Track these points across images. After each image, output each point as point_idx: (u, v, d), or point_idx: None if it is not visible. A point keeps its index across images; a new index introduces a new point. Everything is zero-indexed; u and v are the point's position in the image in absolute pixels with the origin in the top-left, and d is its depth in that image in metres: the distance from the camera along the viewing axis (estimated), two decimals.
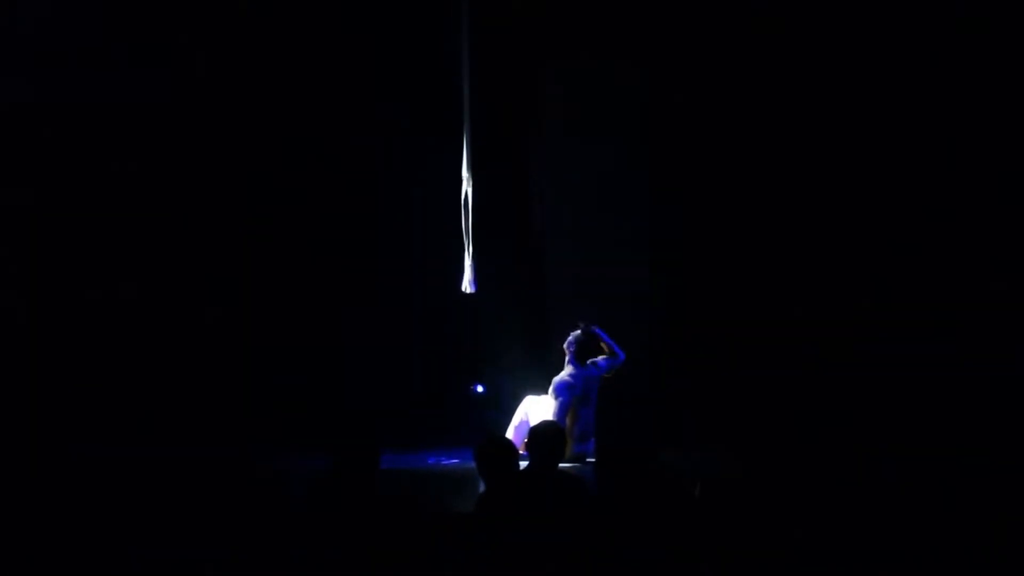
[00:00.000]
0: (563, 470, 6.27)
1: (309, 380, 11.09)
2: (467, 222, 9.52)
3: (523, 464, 6.23)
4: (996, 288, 10.18)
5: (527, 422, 9.47)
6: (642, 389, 10.54)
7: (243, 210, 11.21)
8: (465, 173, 9.50)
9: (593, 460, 9.36)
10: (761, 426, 10.19)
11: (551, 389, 9.66)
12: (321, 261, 11.32)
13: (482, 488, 6.16)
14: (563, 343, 9.80)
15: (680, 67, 11.11)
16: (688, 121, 11.18)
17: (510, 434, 9.49)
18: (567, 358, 9.77)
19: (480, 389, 11.38)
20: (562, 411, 9.52)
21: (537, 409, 9.64)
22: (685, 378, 10.93)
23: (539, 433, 6.21)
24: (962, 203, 10.41)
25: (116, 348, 10.82)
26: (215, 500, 8.03)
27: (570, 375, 9.67)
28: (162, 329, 10.94)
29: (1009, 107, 10.29)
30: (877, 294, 10.53)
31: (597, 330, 9.80)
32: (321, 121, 11.31)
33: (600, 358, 9.76)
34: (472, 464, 6.25)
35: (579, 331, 9.78)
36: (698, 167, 11.17)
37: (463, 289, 9.67)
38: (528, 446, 6.22)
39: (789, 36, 10.71)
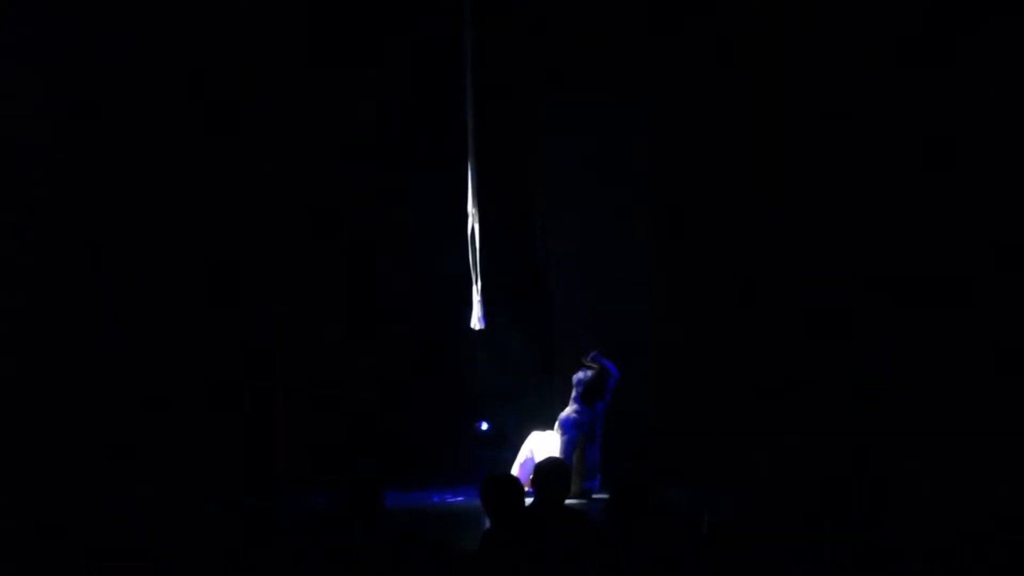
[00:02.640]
0: (569, 506, 6.24)
1: (313, 418, 11.04)
2: (474, 257, 9.50)
3: (528, 500, 6.20)
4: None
5: (532, 458, 9.43)
6: (647, 424, 10.51)
7: (245, 239, 11.17)
8: (471, 208, 9.49)
9: (599, 496, 9.32)
10: (767, 461, 10.14)
11: (557, 425, 9.64)
12: (325, 297, 11.29)
13: (487, 525, 6.13)
14: (572, 376, 9.77)
15: (679, 101, 11.13)
16: (688, 154, 11.19)
17: (515, 471, 9.46)
18: (573, 394, 9.74)
19: (485, 426, 11.35)
20: (569, 447, 9.49)
21: (542, 445, 9.61)
22: (690, 411, 10.90)
23: (544, 469, 6.19)
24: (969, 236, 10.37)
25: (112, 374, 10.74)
26: (220, 540, 8.02)
27: (576, 411, 9.65)
28: (165, 365, 10.87)
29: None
30: (882, 319, 10.49)
31: (600, 359, 9.75)
32: (326, 159, 11.32)
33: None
34: (477, 501, 6.22)
35: (588, 371, 9.75)
36: (699, 200, 11.17)
37: (472, 326, 9.64)
38: (533, 482, 6.19)
39: (787, 68, 10.73)
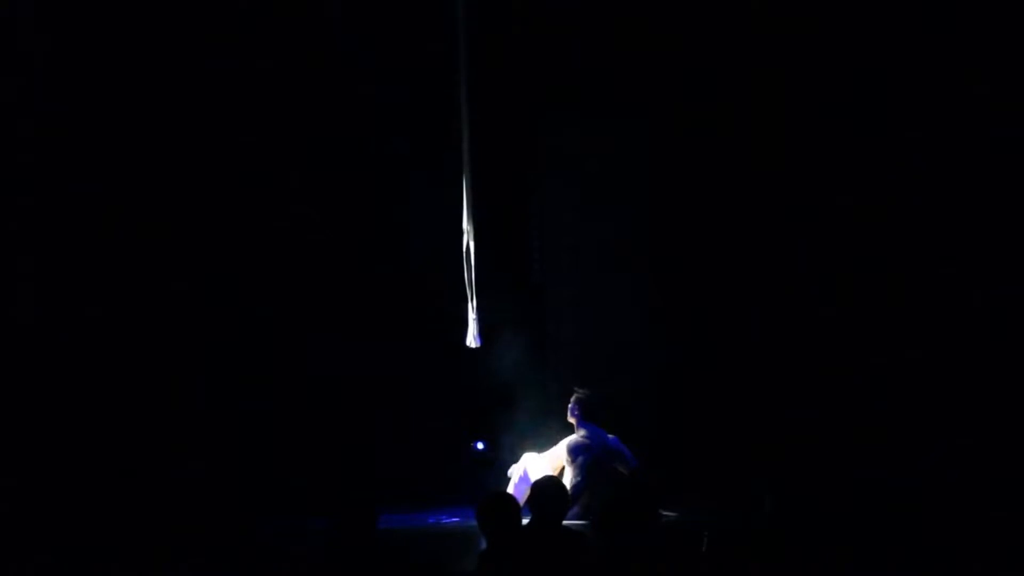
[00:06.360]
0: (566, 526, 6.18)
1: (306, 439, 10.96)
2: (470, 275, 9.43)
3: (525, 520, 6.14)
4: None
5: (527, 478, 9.34)
6: (645, 443, 10.45)
7: (239, 260, 11.10)
8: (466, 225, 9.43)
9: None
10: (766, 478, 10.09)
11: (565, 451, 9.49)
12: (319, 316, 11.23)
13: (483, 546, 6.07)
14: (567, 408, 9.69)
15: (680, 120, 11.12)
16: (689, 173, 11.18)
17: (510, 491, 9.37)
18: (575, 423, 9.65)
19: (481, 446, 11.27)
20: (582, 471, 9.36)
21: (536, 465, 9.51)
22: (688, 430, 10.86)
23: (541, 489, 6.14)
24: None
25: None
26: (214, 564, 7.97)
27: (584, 436, 9.52)
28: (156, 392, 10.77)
29: None
30: (885, 340, 10.46)
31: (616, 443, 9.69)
32: (320, 173, 11.28)
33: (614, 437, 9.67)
34: (473, 522, 6.17)
35: (579, 391, 9.69)
36: (699, 220, 11.15)
37: (467, 344, 9.57)
38: (530, 502, 6.13)
39: (791, 87, 10.71)
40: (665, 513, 8.56)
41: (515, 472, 9.60)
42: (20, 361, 10.14)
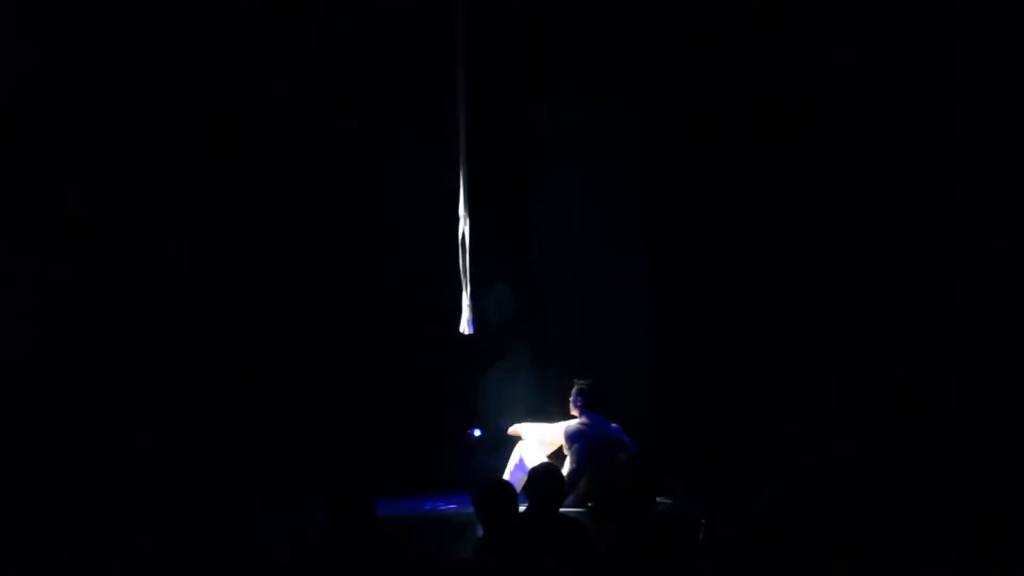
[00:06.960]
0: (563, 513, 6.17)
1: (302, 427, 10.94)
2: (464, 262, 9.47)
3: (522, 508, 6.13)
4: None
5: (523, 465, 9.35)
6: (642, 431, 10.46)
7: (232, 245, 11.08)
8: (462, 212, 9.47)
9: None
10: (764, 469, 10.10)
11: (563, 436, 9.54)
12: (313, 302, 11.22)
13: (480, 533, 6.07)
14: (570, 387, 9.71)
15: (681, 116, 11.11)
16: (690, 172, 11.17)
17: (506, 476, 9.38)
18: (578, 414, 9.66)
19: (477, 433, 11.27)
20: (577, 458, 9.39)
21: (532, 449, 9.51)
22: (687, 418, 10.85)
23: (537, 476, 6.13)
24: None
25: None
26: (210, 554, 7.95)
27: (582, 423, 9.57)
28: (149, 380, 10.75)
29: None
30: (879, 342, 10.45)
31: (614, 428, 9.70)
32: (313, 159, 11.27)
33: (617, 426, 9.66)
34: (470, 509, 6.16)
35: (580, 382, 9.70)
36: (699, 206, 11.14)
37: (461, 330, 9.60)
38: (527, 488, 6.12)
39: (787, 73, 10.70)
40: (660, 500, 8.57)
41: (511, 459, 9.61)
42: (20, 361, 10.16)
